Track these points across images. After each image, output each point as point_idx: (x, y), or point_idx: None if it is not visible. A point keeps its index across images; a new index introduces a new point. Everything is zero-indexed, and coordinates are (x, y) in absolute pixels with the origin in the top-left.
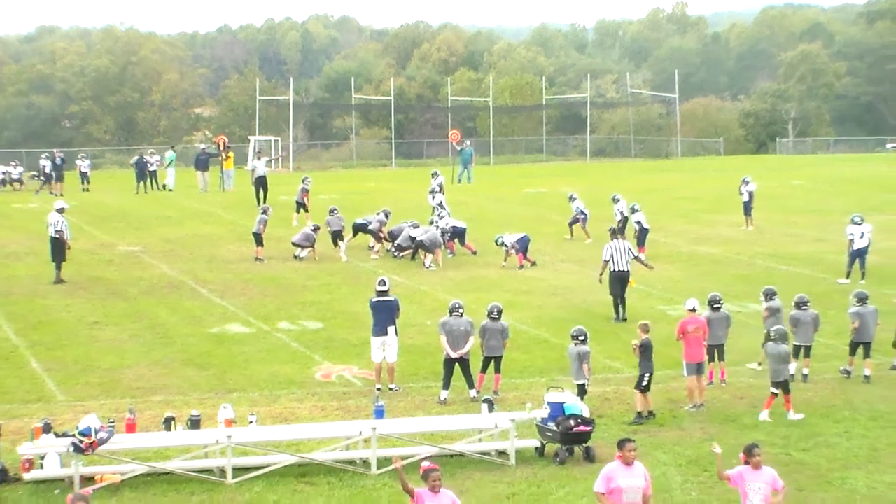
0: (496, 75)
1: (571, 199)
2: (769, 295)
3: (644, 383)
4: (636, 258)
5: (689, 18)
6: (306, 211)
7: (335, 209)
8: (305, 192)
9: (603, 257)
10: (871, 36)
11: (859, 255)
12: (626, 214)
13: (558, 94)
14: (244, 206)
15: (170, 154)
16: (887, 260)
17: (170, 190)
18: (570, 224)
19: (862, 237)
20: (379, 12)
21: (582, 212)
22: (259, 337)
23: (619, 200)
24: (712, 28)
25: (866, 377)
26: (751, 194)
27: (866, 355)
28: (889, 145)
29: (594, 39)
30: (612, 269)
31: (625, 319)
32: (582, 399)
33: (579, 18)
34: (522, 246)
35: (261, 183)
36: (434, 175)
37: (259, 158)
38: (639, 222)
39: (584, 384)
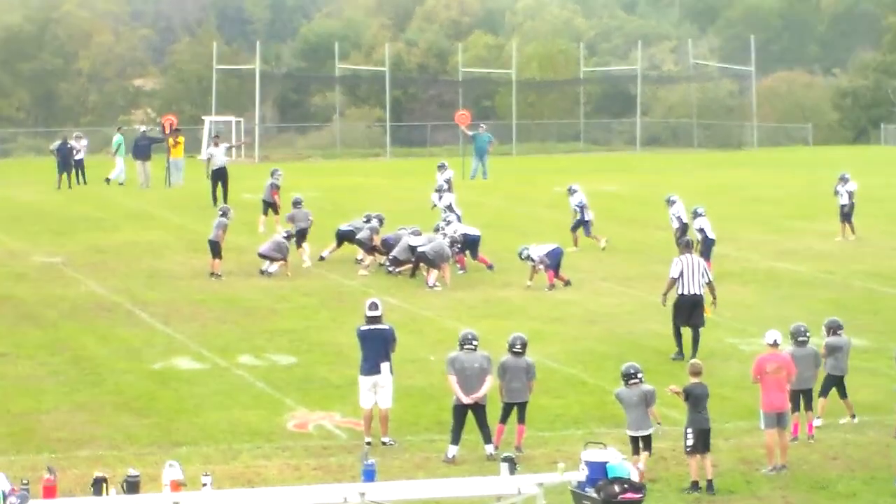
0: (521, 41)
1: (571, 192)
2: (833, 329)
3: (691, 442)
4: (709, 284)
5: None
6: (276, 213)
7: (300, 200)
8: (275, 188)
9: (671, 274)
10: None
11: None
12: (685, 220)
13: (601, 65)
14: (197, 206)
15: (117, 138)
16: None
17: (120, 184)
18: (574, 229)
19: None
20: None
21: (579, 208)
22: (215, 375)
23: (675, 202)
24: None
25: None
26: (851, 195)
27: None
28: None
29: None
30: (679, 292)
31: (694, 357)
32: (648, 454)
33: None
34: (553, 261)
35: (219, 176)
36: (441, 168)
37: (217, 145)
38: (702, 230)
39: (649, 436)
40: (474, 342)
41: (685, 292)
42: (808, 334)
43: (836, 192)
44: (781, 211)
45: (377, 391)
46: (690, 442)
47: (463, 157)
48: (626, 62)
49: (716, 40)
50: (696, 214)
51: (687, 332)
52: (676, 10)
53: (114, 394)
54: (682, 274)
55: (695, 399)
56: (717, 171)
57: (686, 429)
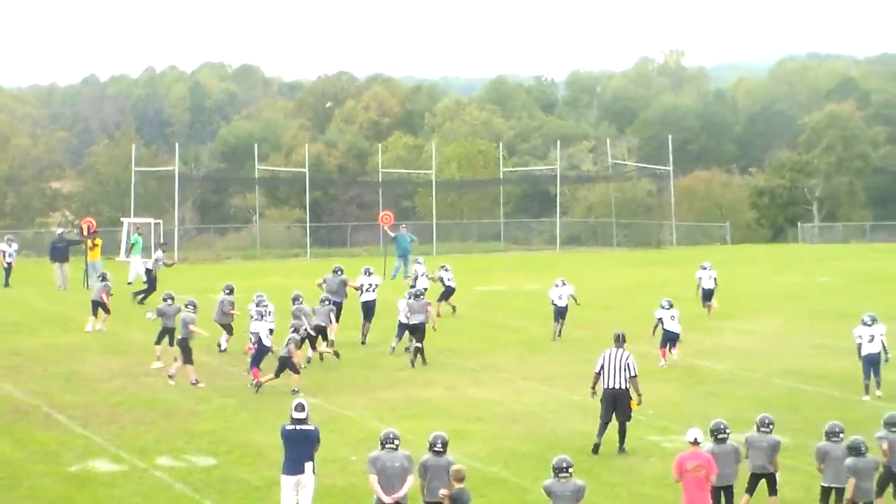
0: (440, 141)
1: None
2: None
3: None
4: (632, 379)
5: (685, 71)
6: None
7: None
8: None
9: (595, 368)
10: None
11: (871, 362)
12: (556, 303)
13: (520, 165)
14: (115, 309)
15: (134, 238)
16: None
17: (145, 281)
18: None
19: (872, 341)
20: (289, 61)
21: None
22: (133, 477)
23: (561, 286)
24: (715, 83)
25: None
26: (712, 280)
27: None
28: None
29: (565, 96)
30: (603, 385)
31: (622, 450)
32: None
33: (546, 70)
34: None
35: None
36: (366, 272)
37: (164, 250)
38: (661, 320)
39: None
40: (396, 441)
41: (606, 386)
42: (727, 431)
43: (699, 278)
44: (701, 309)
45: (299, 491)
46: None
47: (385, 256)
48: (545, 162)
49: (634, 140)
50: (661, 307)
51: (615, 424)
52: (595, 111)
53: (30, 498)
54: (603, 368)
55: None
56: (637, 270)
57: None
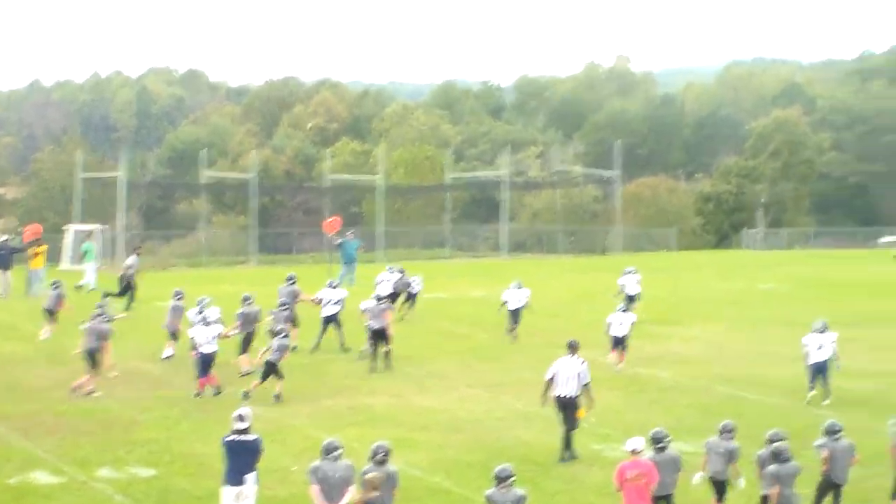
0: (388, 146)
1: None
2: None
3: None
4: (585, 386)
5: (633, 76)
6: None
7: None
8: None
9: (546, 375)
10: (862, 100)
11: (819, 370)
12: (509, 307)
13: (467, 170)
14: (58, 317)
15: (86, 245)
16: (878, 385)
17: (91, 289)
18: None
19: (820, 349)
20: (236, 66)
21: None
22: (72, 489)
23: (512, 288)
24: (663, 88)
25: None
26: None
27: None
28: (884, 239)
29: (513, 101)
30: (554, 393)
31: (567, 459)
32: None
33: (494, 75)
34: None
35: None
36: (331, 286)
37: (139, 254)
38: (609, 324)
39: None
40: (338, 451)
41: (556, 394)
42: (668, 440)
43: (622, 285)
44: (645, 316)
45: (240, 501)
46: None
47: (330, 263)
48: (492, 167)
49: (581, 146)
50: (618, 310)
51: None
52: (543, 116)
53: None
54: (556, 375)
55: None
56: (582, 276)
57: None
